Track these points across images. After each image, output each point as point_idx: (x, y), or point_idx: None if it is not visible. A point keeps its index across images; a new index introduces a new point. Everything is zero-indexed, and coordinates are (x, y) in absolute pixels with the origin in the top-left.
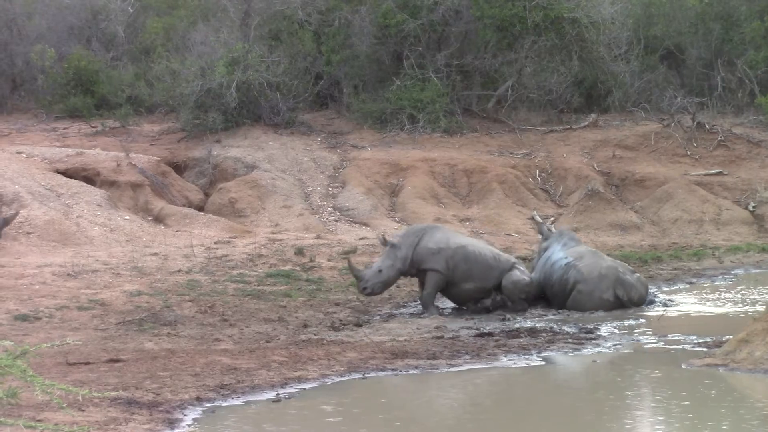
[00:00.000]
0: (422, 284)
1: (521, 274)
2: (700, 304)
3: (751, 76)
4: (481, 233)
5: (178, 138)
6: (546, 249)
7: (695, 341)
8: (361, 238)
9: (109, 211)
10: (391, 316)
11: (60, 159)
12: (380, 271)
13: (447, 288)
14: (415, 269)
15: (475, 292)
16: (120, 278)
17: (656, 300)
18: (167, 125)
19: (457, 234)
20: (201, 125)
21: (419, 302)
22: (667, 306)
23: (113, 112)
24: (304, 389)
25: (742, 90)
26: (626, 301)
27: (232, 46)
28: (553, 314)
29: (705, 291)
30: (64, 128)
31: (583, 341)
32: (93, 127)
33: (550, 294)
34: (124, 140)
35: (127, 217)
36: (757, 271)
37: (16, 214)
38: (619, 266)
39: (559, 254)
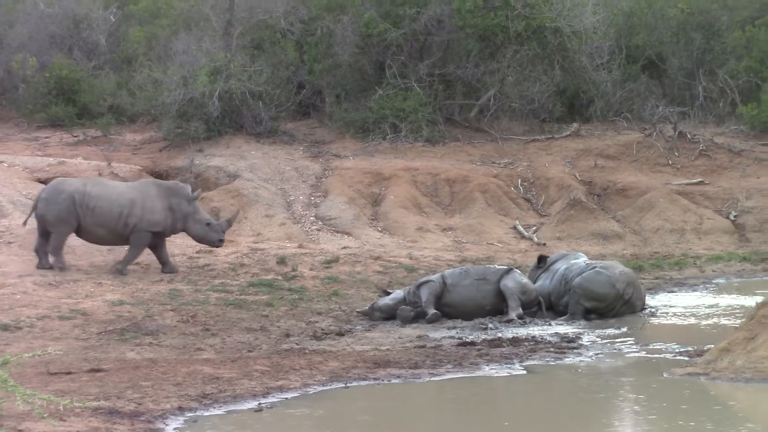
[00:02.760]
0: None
1: (520, 276)
2: (681, 313)
3: (732, 86)
4: (463, 242)
5: (160, 147)
6: (546, 270)
7: (677, 350)
8: (344, 248)
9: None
10: (373, 326)
11: (41, 168)
12: (383, 296)
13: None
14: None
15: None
16: (101, 288)
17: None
18: (149, 134)
19: None
20: (183, 134)
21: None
22: (649, 315)
23: (95, 121)
24: (286, 399)
25: (723, 100)
26: (628, 303)
27: (214, 55)
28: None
29: (686, 300)
30: (46, 137)
31: (565, 350)
32: (75, 137)
33: (563, 291)
34: (106, 149)
35: None
36: (739, 280)
37: None
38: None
39: (576, 261)
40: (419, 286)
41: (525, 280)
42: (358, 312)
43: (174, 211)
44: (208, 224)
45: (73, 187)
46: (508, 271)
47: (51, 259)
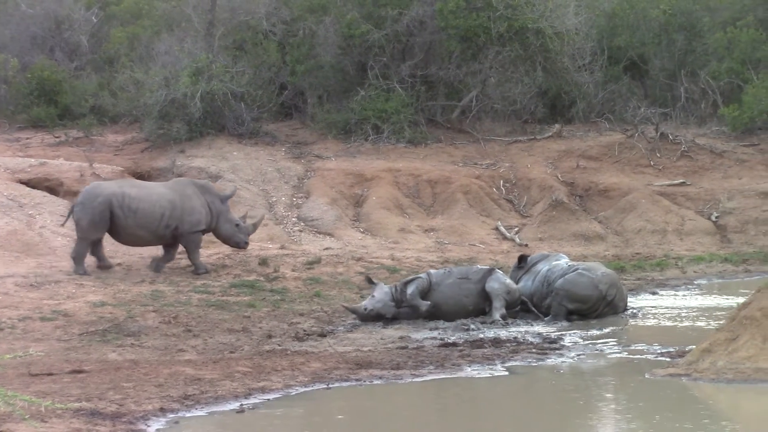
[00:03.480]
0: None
1: (503, 276)
2: (663, 314)
3: (714, 87)
4: (445, 243)
5: (142, 148)
6: (527, 271)
7: (658, 351)
8: (326, 249)
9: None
10: (355, 327)
11: (23, 169)
12: (374, 296)
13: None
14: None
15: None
16: (83, 289)
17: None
18: (131, 135)
19: None
20: (165, 135)
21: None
22: (631, 316)
23: (77, 122)
24: (268, 400)
25: (705, 101)
26: (611, 304)
27: (196, 56)
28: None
29: (668, 301)
30: (27, 138)
31: (547, 351)
32: (56, 137)
33: (545, 292)
34: (88, 150)
35: None
36: (720, 281)
37: None
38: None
39: (558, 262)
40: (406, 283)
41: (508, 280)
42: (345, 306)
43: (210, 209)
44: (237, 225)
45: (110, 190)
46: (490, 271)
47: (80, 263)
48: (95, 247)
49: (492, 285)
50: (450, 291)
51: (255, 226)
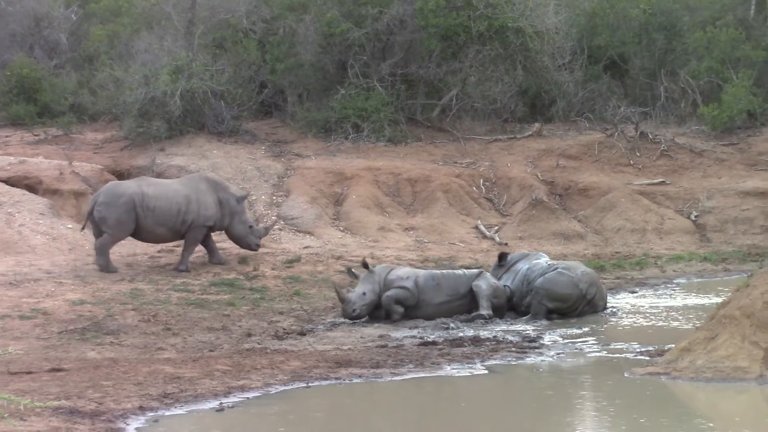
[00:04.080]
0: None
1: (491, 277)
2: (642, 312)
3: (693, 87)
4: (425, 242)
5: (122, 146)
6: (507, 270)
7: (638, 350)
8: (306, 247)
9: (52, 220)
10: (334, 325)
11: (2, 167)
12: (364, 294)
13: (419, 308)
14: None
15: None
16: (62, 287)
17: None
18: (110, 133)
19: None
20: (145, 133)
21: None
22: (611, 315)
23: (56, 120)
24: (248, 398)
25: (684, 100)
26: (590, 303)
27: (176, 54)
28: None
29: (647, 300)
30: (7, 136)
31: (527, 350)
32: (35, 136)
33: (525, 291)
34: (67, 148)
35: (69, 226)
36: (699, 280)
37: None
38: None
39: (538, 261)
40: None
41: (497, 283)
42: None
43: (223, 206)
44: (251, 227)
45: (132, 189)
46: (479, 275)
47: (105, 257)
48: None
49: (479, 284)
50: (438, 311)
51: (267, 230)
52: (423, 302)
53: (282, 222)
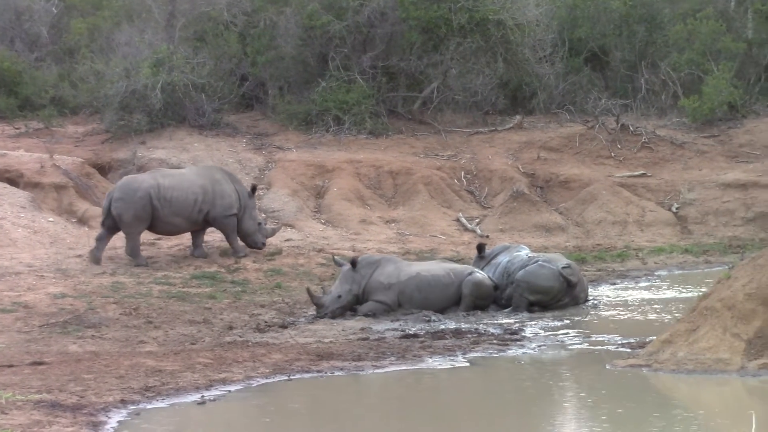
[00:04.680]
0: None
1: (482, 277)
2: (624, 304)
3: (674, 79)
4: (406, 234)
5: (103, 139)
6: (488, 263)
7: (619, 342)
8: (287, 240)
9: (33, 213)
10: (316, 318)
11: None
12: (339, 296)
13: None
14: (365, 299)
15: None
16: (44, 280)
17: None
18: (91, 126)
19: (411, 264)
20: (126, 126)
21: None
22: (592, 307)
23: (37, 113)
24: (229, 391)
25: (665, 92)
26: (572, 294)
27: (157, 47)
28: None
29: (629, 292)
30: None
31: (508, 342)
32: (16, 129)
33: (506, 284)
34: (48, 141)
35: (50, 219)
36: (680, 272)
37: None
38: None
39: (519, 253)
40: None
41: (487, 282)
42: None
43: (240, 197)
44: (259, 224)
45: (147, 183)
46: (469, 274)
47: (138, 256)
48: (102, 237)
49: (465, 283)
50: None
51: (274, 231)
52: (408, 312)
53: (263, 214)
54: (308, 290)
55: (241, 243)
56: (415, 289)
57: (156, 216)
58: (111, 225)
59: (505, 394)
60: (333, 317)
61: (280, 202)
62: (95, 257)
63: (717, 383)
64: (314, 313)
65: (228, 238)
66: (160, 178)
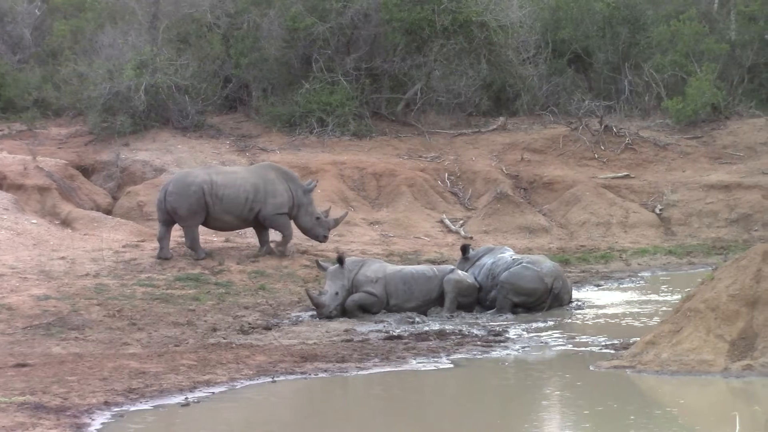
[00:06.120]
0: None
1: (463, 274)
2: (607, 306)
3: (657, 80)
4: (390, 236)
5: (86, 141)
6: (473, 264)
7: (603, 343)
8: (271, 241)
9: (16, 215)
10: (300, 320)
11: None
12: (337, 293)
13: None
14: (353, 293)
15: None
16: (27, 282)
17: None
18: (75, 128)
19: (394, 265)
20: (109, 128)
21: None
22: (576, 308)
23: (20, 115)
24: (213, 393)
25: (648, 94)
26: (556, 296)
27: (140, 49)
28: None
29: (612, 293)
30: None
31: (492, 344)
32: None
33: (490, 286)
34: (31, 143)
35: (34, 221)
36: (664, 273)
37: None
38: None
39: (503, 255)
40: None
41: (469, 281)
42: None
43: (293, 196)
44: (318, 218)
45: (201, 178)
46: (450, 271)
47: (197, 248)
48: (164, 234)
49: (450, 279)
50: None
51: (337, 222)
52: (394, 307)
53: (330, 204)
54: (307, 291)
55: (289, 242)
56: (400, 281)
57: (208, 212)
58: (167, 220)
59: (488, 395)
60: (336, 316)
61: None
62: (164, 256)
63: (701, 384)
64: (298, 314)
65: (284, 233)
66: (214, 175)
